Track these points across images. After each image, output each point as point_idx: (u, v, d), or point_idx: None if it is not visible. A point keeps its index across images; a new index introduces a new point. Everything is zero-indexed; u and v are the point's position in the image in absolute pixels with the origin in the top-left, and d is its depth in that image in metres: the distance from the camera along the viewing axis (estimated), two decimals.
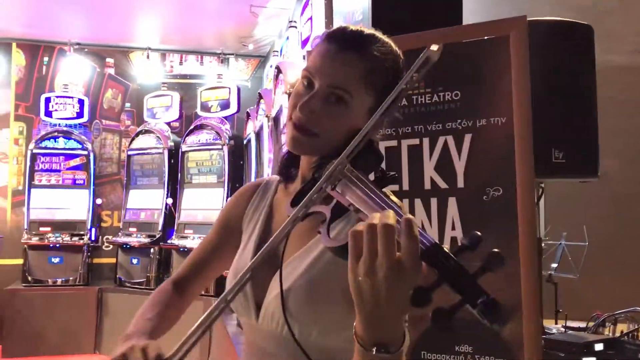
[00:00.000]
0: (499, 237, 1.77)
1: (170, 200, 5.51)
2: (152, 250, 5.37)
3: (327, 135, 0.94)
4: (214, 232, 1.19)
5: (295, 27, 4.31)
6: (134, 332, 1.01)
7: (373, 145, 0.89)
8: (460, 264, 0.61)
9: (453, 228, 1.91)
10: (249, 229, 1.12)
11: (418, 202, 1.97)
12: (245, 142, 5.32)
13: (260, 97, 4.35)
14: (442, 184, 1.93)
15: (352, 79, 0.94)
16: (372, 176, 0.86)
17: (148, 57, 6.23)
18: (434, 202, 1.94)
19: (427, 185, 1.96)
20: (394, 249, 0.62)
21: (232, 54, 6.46)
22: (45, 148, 5.66)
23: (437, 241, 0.64)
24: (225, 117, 5.64)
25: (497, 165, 1.86)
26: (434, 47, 0.77)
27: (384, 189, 0.81)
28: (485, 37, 1.94)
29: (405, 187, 1.99)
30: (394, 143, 2.02)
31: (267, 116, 3.82)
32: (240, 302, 1.03)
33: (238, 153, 5.43)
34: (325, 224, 0.76)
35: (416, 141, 1.99)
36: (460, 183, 1.91)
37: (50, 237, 5.47)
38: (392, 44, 1.00)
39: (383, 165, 0.90)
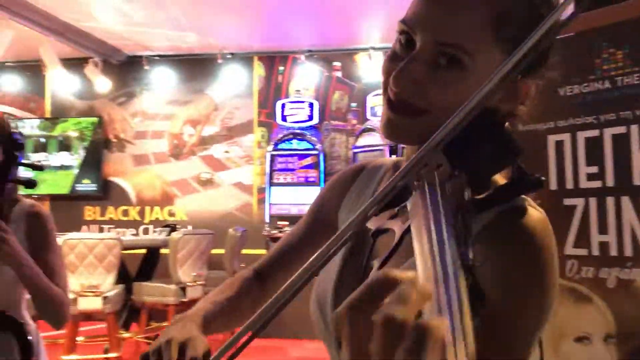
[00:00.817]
0: None
1: None
2: None
3: (437, 114, 0.66)
4: (304, 222, 1.00)
5: None
6: (187, 315, 0.85)
7: (497, 130, 0.58)
8: None
9: None
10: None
11: (625, 200, 1.69)
12: None
13: None
14: None
15: (471, 29, 0.66)
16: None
17: (370, 57, 6.42)
18: None
19: (638, 180, 1.67)
20: None
21: None
22: (282, 150, 6.22)
23: None
24: None
25: None
26: None
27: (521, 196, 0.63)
28: None
29: (610, 183, 1.73)
30: (595, 133, 1.77)
31: None
32: (321, 330, 0.86)
33: None
34: (381, 258, 0.53)
35: (622, 129, 1.71)
36: None
37: (287, 230, 6.00)
38: None
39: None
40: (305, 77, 6.62)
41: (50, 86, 6.83)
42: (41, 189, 6.67)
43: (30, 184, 1.87)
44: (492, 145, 0.56)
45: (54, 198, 6.75)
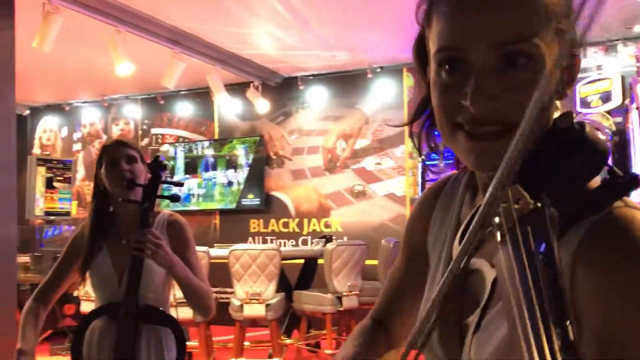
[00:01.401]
0: None
1: None
2: None
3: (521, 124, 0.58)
4: (401, 255, 0.95)
5: None
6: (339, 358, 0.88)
7: (574, 135, 0.54)
8: None
9: None
10: (437, 250, 0.84)
11: None
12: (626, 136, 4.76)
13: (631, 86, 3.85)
14: None
15: (528, 20, 0.61)
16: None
17: None
18: None
19: None
20: None
21: (618, 40, 5.84)
22: (432, 159, 6.18)
23: None
24: (610, 110, 5.14)
25: None
26: None
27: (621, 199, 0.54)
28: None
29: None
30: None
31: (637, 108, 3.37)
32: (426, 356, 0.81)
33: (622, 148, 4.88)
34: (477, 312, 0.51)
35: None
36: None
37: None
38: None
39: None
40: None
41: (218, 110, 7.49)
42: (212, 204, 7.32)
43: (175, 198, 2.14)
44: (574, 155, 0.52)
45: (223, 212, 7.36)
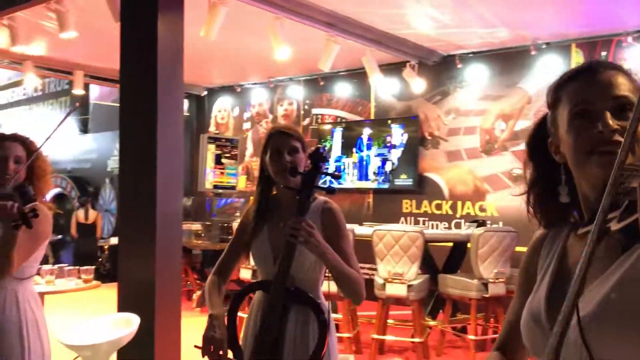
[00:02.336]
0: None
1: None
2: None
3: None
4: (518, 290, 1.17)
5: None
6: None
7: None
8: None
9: None
10: (541, 272, 1.07)
11: None
12: None
13: None
14: None
15: (630, 82, 0.99)
16: None
17: None
18: None
19: None
20: None
21: None
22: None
23: None
24: None
25: None
26: None
27: None
28: None
29: None
30: None
31: None
32: (534, 334, 0.99)
33: None
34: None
35: None
36: None
37: None
38: None
39: None
40: (634, 60, 5.91)
41: (374, 90, 7.58)
42: (366, 183, 7.47)
43: (331, 190, 2.20)
44: None
45: (376, 191, 7.49)
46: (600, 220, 0.70)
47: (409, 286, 4.56)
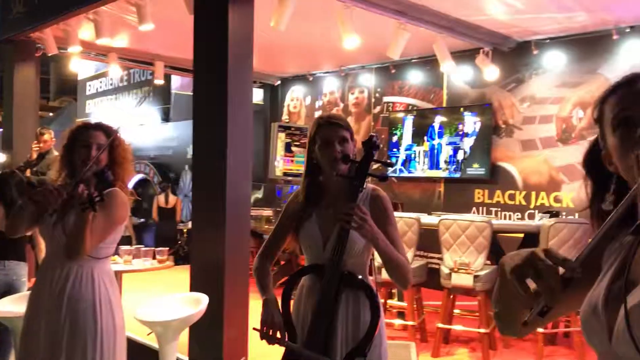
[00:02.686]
0: None
1: None
2: None
3: None
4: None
5: None
6: None
7: None
8: None
9: None
10: (606, 266, 1.10)
11: None
12: None
13: None
14: None
15: None
16: None
17: None
18: None
19: None
20: None
21: None
22: None
23: None
24: None
25: None
26: None
27: None
28: None
29: None
30: None
31: None
32: (592, 324, 1.03)
33: None
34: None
35: None
36: None
37: None
38: None
39: None
40: None
41: (446, 77, 7.46)
42: (437, 172, 7.39)
43: (384, 178, 2.24)
44: None
45: (447, 180, 7.40)
46: None
47: (476, 276, 4.52)
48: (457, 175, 7.22)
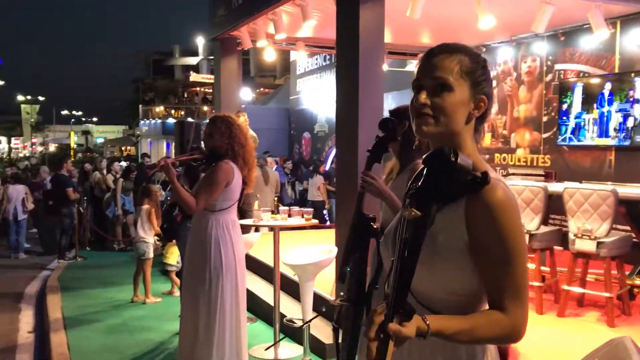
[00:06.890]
0: None
1: None
2: None
3: None
4: None
5: None
6: None
7: None
8: None
9: None
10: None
11: None
12: None
13: None
14: None
15: (452, 68, 1.33)
16: None
17: None
18: None
19: None
20: None
21: None
22: None
23: None
24: None
25: None
26: None
27: None
28: None
29: None
30: None
31: None
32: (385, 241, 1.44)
33: None
34: None
35: None
36: None
37: None
38: None
39: None
40: None
41: (619, 42, 7.17)
42: (606, 140, 7.21)
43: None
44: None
45: (618, 149, 7.15)
46: None
47: (600, 243, 4.67)
48: (627, 143, 6.98)
